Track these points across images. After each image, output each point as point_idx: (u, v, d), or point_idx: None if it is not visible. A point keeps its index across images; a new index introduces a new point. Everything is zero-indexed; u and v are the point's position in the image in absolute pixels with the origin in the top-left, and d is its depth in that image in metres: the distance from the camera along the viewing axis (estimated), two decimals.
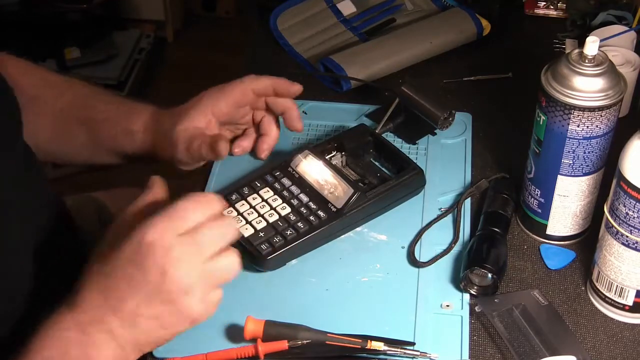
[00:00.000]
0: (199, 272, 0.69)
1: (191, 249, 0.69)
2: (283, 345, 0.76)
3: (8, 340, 0.72)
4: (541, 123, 0.83)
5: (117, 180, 1.24)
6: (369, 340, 0.77)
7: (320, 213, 0.89)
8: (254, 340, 0.77)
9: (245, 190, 0.92)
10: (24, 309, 0.77)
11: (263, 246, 0.86)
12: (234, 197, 0.91)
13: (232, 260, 0.71)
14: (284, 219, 0.88)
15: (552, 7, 1.29)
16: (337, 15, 1.27)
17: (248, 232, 0.87)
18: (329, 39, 1.24)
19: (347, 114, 1.08)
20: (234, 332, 0.80)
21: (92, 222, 1.10)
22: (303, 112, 1.09)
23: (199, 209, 0.70)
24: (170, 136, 0.93)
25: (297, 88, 0.97)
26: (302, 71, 1.18)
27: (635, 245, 0.77)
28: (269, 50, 1.24)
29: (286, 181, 0.92)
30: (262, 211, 0.89)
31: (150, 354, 0.78)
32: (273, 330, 0.78)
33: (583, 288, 0.86)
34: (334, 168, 0.92)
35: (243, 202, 0.90)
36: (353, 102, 1.11)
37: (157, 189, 0.75)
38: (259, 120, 1.00)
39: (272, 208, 0.90)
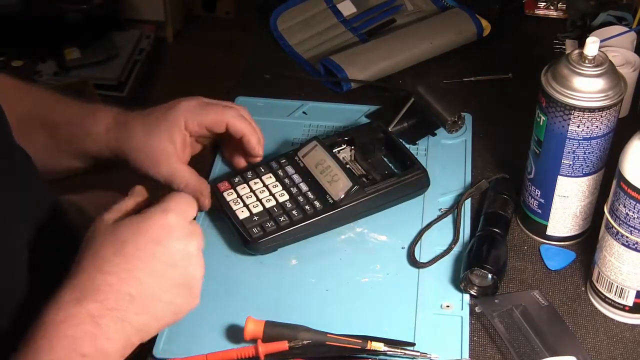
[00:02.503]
0: (190, 226, 0.73)
1: (180, 206, 0.73)
2: (283, 345, 0.76)
3: (8, 340, 0.72)
4: (541, 123, 0.83)
5: (92, 184, 1.20)
6: (369, 341, 0.77)
7: (317, 203, 0.89)
8: (254, 340, 0.77)
9: (249, 174, 0.93)
10: (23, 306, 0.77)
11: (255, 229, 0.87)
12: (236, 179, 0.92)
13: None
14: (280, 205, 0.89)
15: (552, 8, 1.29)
16: (337, 16, 1.27)
17: (243, 214, 0.89)
18: (329, 40, 1.24)
19: (347, 115, 1.08)
20: (234, 333, 0.80)
21: (73, 223, 1.09)
22: (303, 112, 1.09)
23: (192, 204, 0.75)
24: (146, 151, 0.91)
25: (260, 154, 0.95)
26: (302, 74, 1.18)
27: (636, 245, 0.77)
28: (269, 51, 1.24)
29: (290, 169, 0.93)
30: (260, 196, 0.91)
31: (151, 354, 0.78)
32: (273, 330, 0.78)
33: (583, 289, 0.86)
34: (338, 161, 0.92)
35: (244, 185, 0.92)
36: (353, 102, 1.11)
37: (140, 197, 0.76)
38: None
39: (270, 194, 0.91)
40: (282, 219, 0.88)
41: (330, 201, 0.89)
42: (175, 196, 0.73)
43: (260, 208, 0.89)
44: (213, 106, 0.93)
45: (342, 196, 0.89)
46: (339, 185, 0.90)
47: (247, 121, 0.94)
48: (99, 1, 2.59)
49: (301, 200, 0.90)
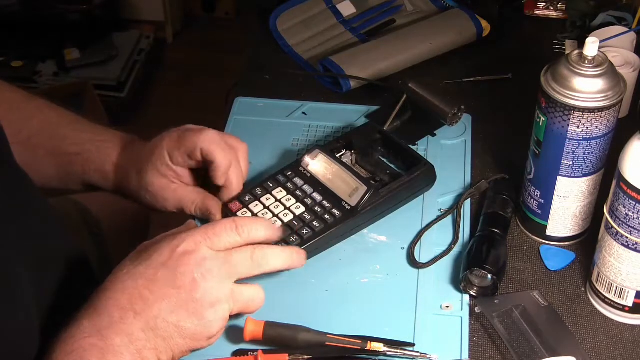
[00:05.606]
0: (227, 290, 0.73)
1: (223, 266, 0.73)
2: (283, 358, 0.76)
3: (13, 346, 0.71)
4: (541, 124, 0.83)
5: None
6: (368, 342, 0.77)
7: (335, 211, 0.88)
8: (253, 341, 0.77)
9: (258, 191, 0.91)
10: (23, 313, 0.76)
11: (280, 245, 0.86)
12: (247, 198, 0.91)
13: (258, 293, 0.76)
14: (299, 218, 0.88)
15: (551, 8, 1.29)
16: (336, 16, 1.27)
17: None
18: (329, 40, 1.24)
19: (347, 115, 1.08)
20: (234, 333, 0.80)
21: (76, 224, 1.08)
22: (303, 113, 1.09)
23: (238, 232, 0.75)
24: (146, 191, 0.90)
25: (233, 191, 0.90)
26: (302, 72, 1.18)
27: (635, 246, 0.77)
28: (269, 51, 1.24)
29: (298, 181, 0.92)
30: (276, 211, 0.89)
31: None
32: (273, 331, 0.77)
33: (583, 289, 0.86)
34: (345, 166, 0.92)
35: (257, 202, 0.90)
36: (353, 103, 1.11)
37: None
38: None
39: (286, 208, 0.89)
40: (304, 231, 0.87)
41: (348, 207, 0.88)
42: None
43: (279, 224, 0.88)
44: (192, 131, 0.88)
45: (359, 201, 0.88)
46: (353, 191, 0.89)
47: (224, 147, 0.87)
48: (99, 1, 2.60)
49: (319, 210, 0.89)
